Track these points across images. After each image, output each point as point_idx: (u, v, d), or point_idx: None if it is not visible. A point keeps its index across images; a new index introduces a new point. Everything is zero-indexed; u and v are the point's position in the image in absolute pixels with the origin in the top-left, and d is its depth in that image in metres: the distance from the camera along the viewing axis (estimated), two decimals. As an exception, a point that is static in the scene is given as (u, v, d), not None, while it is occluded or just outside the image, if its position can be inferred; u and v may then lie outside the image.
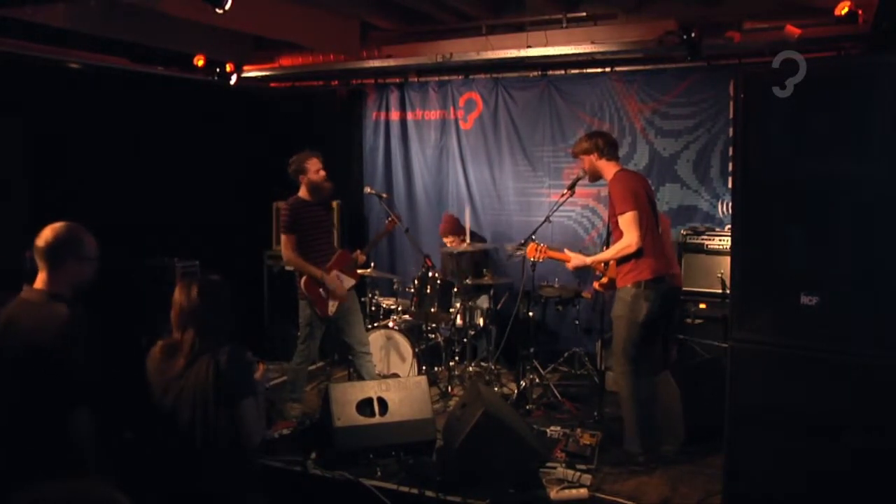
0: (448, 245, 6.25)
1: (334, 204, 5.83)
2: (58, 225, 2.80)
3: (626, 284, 4.22)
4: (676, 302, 5.28)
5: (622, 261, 4.24)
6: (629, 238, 4.14)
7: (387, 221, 5.62)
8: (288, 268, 5.53)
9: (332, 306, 5.02)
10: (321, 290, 4.98)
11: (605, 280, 4.59)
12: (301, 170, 4.95)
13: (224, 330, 2.87)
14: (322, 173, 4.98)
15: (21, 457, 2.57)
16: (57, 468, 2.56)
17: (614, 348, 4.34)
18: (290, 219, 4.91)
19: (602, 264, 4.53)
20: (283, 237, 4.97)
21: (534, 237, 4.86)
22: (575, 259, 4.52)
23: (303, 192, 5.01)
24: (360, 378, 5.12)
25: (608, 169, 4.37)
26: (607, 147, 4.36)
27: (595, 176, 4.46)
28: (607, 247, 4.54)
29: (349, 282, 5.14)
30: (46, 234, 2.78)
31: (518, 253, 5.11)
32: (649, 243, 4.19)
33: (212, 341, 2.81)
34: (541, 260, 4.71)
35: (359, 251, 5.33)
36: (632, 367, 4.24)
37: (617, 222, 4.23)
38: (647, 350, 4.40)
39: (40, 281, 2.78)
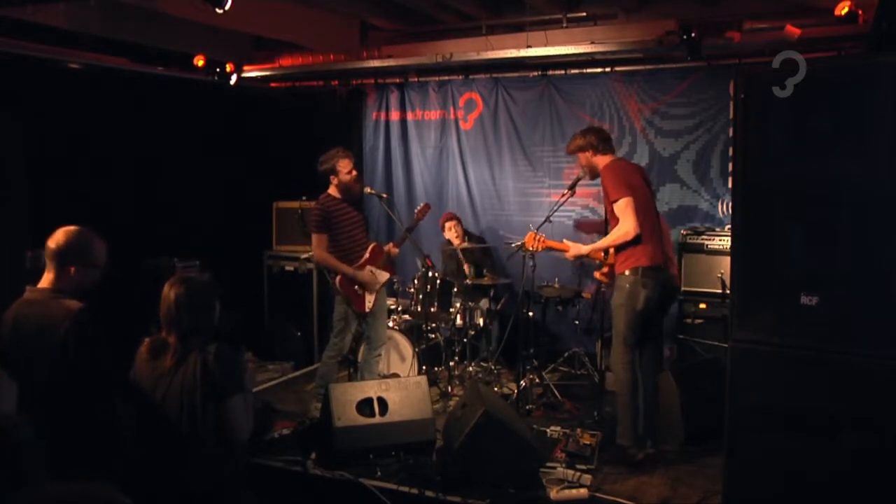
0: (451, 230, 6.25)
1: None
2: (70, 229, 2.86)
3: (623, 271, 4.19)
4: (674, 295, 5.27)
5: (620, 248, 4.21)
6: (626, 225, 4.10)
7: (416, 210, 5.48)
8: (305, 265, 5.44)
9: (369, 302, 5.01)
10: (356, 287, 4.96)
11: (605, 269, 4.57)
12: (332, 170, 4.94)
13: (209, 329, 2.87)
14: (353, 173, 4.97)
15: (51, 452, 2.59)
16: (85, 461, 2.57)
17: (614, 338, 4.30)
18: (320, 218, 4.88)
19: (602, 253, 4.50)
20: (313, 237, 4.94)
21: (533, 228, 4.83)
22: (573, 248, 4.50)
23: (333, 191, 4.99)
24: (362, 376, 5.13)
25: (603, 162, 4.36)
26: (601, 142, 4.35)
27: (594, 173, 4.45)
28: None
29: (383, 276, 5.11)
30: (58, 237, 2.83)
31: (515, 246, 5.09)
32: (647, 230, 4.16)
33: (197, 341, 2.82)
34: (539, 250, 4.69)
35: (391, 244, 5.26)
36: (631, 356, 4.21)
37: (612, 211, 4.21)
38: (644, 348, 4.40)
39: (46, 281, 2.83)
